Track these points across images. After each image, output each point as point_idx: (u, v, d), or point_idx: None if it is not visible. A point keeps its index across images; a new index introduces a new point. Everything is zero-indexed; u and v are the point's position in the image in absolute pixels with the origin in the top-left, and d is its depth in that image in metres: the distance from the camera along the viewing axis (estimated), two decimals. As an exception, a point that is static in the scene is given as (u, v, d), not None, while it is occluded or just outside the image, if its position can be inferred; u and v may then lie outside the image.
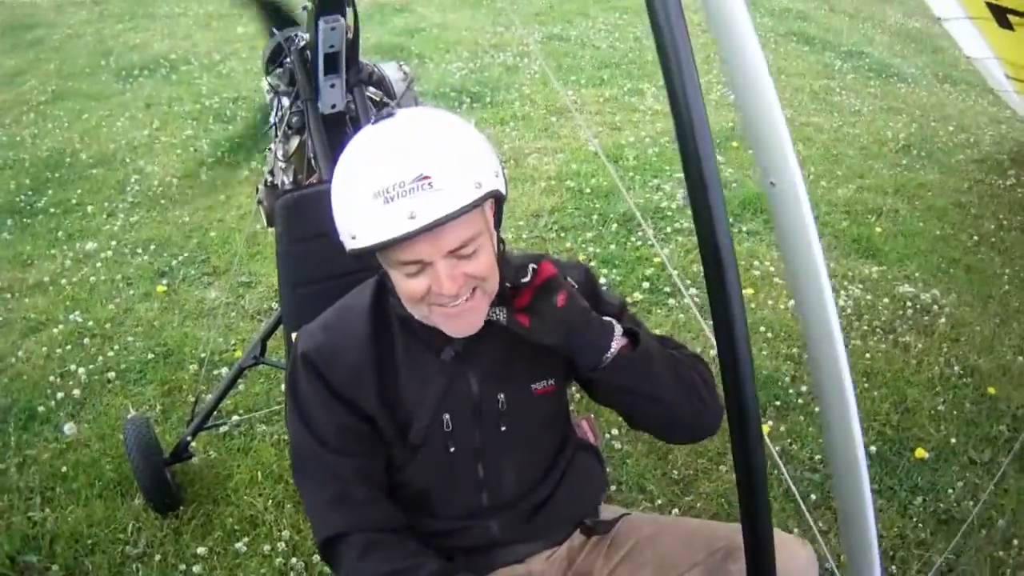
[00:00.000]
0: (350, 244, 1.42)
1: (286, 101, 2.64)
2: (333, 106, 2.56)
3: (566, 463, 1.78)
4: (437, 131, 1.42)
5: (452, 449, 1.62)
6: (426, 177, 1.33)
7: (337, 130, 2.59)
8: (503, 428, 1.65)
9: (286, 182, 2.69)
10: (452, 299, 1.44)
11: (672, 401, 1.58)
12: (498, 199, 1.47)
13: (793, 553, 1.61)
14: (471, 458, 1.65)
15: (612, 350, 1.52)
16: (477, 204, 1.37)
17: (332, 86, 2.53)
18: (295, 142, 2.66)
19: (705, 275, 1.02)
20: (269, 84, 2.70)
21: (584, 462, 1.83)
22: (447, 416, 1.60)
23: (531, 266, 1.49)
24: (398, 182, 1.32)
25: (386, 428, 1.60)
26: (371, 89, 2.67)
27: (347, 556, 1.56)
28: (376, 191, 1.33)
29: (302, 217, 2.07)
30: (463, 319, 1.49)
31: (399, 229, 1.33)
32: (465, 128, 1.46)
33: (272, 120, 2.72)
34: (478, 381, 1.62)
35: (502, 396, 1.63)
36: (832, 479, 1.14)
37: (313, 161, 2.55)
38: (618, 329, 1.55)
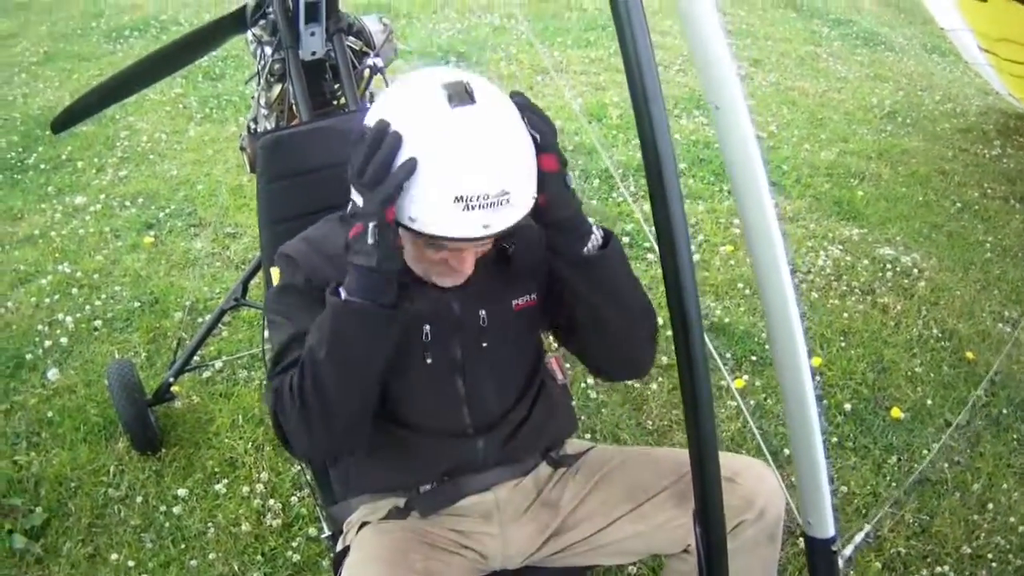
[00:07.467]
0: (399, 217, 1.38)
1: (268, 50, 2.68)
2: (313, 53, 2.61)
3: (539, 387, 1.83)
4: (517, 139, 1.41)
5: (429, 360, 1.65)
6: (507, 193, 1.36)
7: (317, 77, 2.64)
8: (484, 344, 1.69)
9: (268, 128, 2.73)
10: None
11: (632, 308, 1.65)
12: None
13: (761, 475, 1.69)
14: (450, 371, 1.69)
15: (595, 236, 1.58)
16: None
17: (312, 34, 2.58)
18: (277, 89, 2.71)
19: (656, 228, 1.06)
20: (253, 35, 2.74)
21: (554, 391, 1.87)
22: (427, 327, 1.63)
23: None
24: (482, 194, 1.34)
25: None
26: (351, 39, 2.71)
27: (278, 402, 1.52)
28: (458, 195, 1.33)
29: (282, 156, 2.09)
30: (456, 278, 1.56)
31: (470, 233, 1.37)
32: (526, 131, 1.44)
33: (256, 69, 2.77)
34: (459, 303, 1.66)
35: (483, 313, 1.67)
36: (788, 434, 1.19)
37: (294, 106, 2.60)
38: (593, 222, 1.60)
